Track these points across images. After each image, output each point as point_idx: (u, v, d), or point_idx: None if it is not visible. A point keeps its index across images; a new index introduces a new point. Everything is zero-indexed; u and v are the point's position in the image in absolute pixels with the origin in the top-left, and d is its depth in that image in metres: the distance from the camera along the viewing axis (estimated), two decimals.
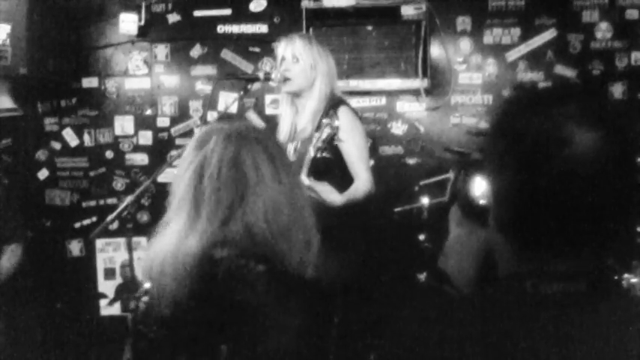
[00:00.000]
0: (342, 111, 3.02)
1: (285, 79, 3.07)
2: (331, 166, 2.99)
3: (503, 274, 1.05)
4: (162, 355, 1.50)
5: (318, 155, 2.95)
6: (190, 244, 1.49)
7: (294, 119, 3.17)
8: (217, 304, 1.47)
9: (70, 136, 4.43)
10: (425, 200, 3.64)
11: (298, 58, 3.05)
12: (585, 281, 0.98)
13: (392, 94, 4.25)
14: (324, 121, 2.83)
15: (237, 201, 1.52)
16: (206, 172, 1.53)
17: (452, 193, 1.07)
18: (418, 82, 4.09)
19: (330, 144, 2.95)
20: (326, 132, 2.86)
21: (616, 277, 2.69)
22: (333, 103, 3.05)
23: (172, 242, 1.52)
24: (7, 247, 3.40)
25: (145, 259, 1.58)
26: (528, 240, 1.00)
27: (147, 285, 1.55)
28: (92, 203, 4.44)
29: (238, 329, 1.46)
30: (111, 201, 4.40)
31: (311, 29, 4.08)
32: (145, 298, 1.54)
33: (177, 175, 1.59)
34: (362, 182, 3.03)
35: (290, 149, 3.11)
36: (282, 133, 3.19)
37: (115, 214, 2.61)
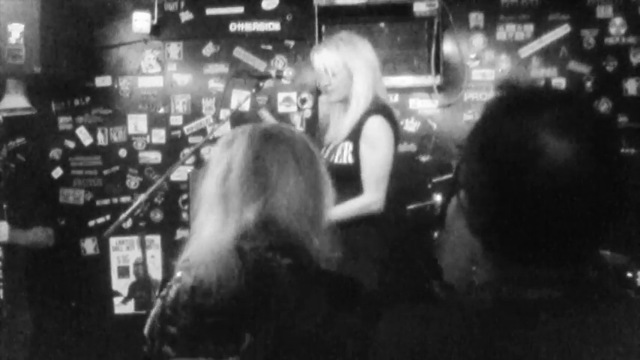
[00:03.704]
0: (370, 121, 2.93)
1: (328, 91, 3.04)
2: (352, 174, 2.92)
3: (480, 280, 1.02)
4: (189, 342, 1.55)
5: (341, 162, 2.94)
6: (223, 236, 1.58)
7: (339, 122, 3.09)
8: (243, 294, 1.52)
9: (83, 135, 4.45)
10: (438, 197, 3.64)
11: (334, 72, 2.98)
12: (565, 288, 0.94)
13: (404, 91, 4.23)
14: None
15: (260, 194, 1.59)
16: (232, 169, 1.62)
17: (453, 184, 1.06)
18: (431, 79, 4.08)
19: (356, 152, 2.93)
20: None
21: (630, 275, 2.71)
22: (369, 110, 2.94)
23: (209, 235, 1.61)
24: (33, 229, 3.67)
25: (184, 251, 1.65)
26: (510, 245, 0.96)
27: (178, 274, 1.60)
28: (106, 202, 4.47)
29: (262, 319, 1.52)
30: (124, 199, 4.42)
31: (323, 27, 4.08)
32: (176, 287, 1.59)
33: (207, 175, 1.68)
34: (363, 199, 2.92)
35: (326, 152, 3.04)
36: (329, 134, 3.15)
37: (128, 212, 2.62)
